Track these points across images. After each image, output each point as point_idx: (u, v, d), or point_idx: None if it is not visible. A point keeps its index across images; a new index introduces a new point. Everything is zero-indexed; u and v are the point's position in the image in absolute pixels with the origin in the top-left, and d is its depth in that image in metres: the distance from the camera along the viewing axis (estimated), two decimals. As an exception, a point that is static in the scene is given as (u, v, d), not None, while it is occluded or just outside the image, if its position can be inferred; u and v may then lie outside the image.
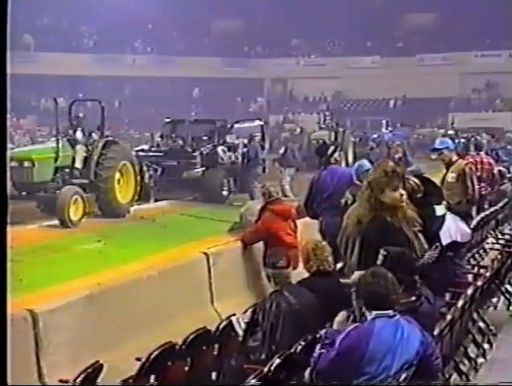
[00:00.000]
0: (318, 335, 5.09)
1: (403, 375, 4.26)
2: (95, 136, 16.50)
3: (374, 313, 4.43)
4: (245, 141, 21.14)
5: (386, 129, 35.30)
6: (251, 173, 19.93)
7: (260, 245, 9.31)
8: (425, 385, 4.58)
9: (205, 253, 9.04)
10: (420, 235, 5.77)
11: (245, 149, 20.63)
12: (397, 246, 5.38)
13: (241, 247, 9.58)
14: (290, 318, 5.57)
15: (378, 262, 5.15)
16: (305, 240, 6.81)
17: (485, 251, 11.12)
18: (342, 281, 5.92)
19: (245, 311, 6.21)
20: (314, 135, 29.93)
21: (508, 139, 17.32)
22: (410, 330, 4.41)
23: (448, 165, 9.21)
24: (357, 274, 5.09)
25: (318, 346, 4.60)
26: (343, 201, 8.04)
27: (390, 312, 4.41)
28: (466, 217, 8.87)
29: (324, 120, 32.36)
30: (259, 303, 6.00)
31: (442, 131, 36.59)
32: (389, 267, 4.93)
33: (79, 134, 16.29)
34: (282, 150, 22.41)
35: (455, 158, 9.31)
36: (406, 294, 4.93)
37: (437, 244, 6.05)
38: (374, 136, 31.15)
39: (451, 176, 9.01)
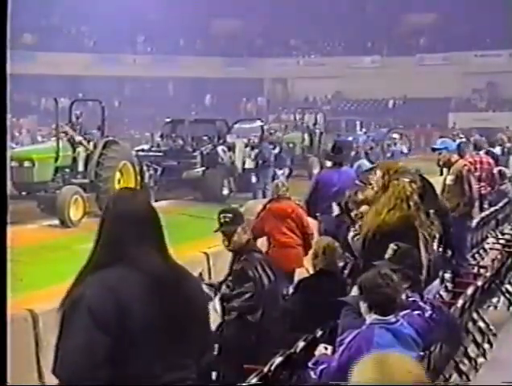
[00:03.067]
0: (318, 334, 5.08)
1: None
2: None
3: (374, 317, 4.38)
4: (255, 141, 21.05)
5: (361, 130, 33.12)
6: (263, 174, 19.72)
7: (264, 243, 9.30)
8: (425, 385, 4.56)
9: (205, 253, 9.04)
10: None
11: (255, 151, 20.47)
12: (411, 239, 5.34)
13: None
14: None
15: (387, 256, 5.10)
16: (320, 237, 6.81)
17: (485, 251, 11.13)
18: (340, 299, 5.73)
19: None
20: (285, 137, 26.43)
21: (500, 140, 17.17)
22: (410, 334, 4.39)
23: (449, 166, 9.17)
24: (354, 289, 4.94)
25: (312, 373, 4.49)
26: (343, 201, 8.02)
27: (391, 318, 4.38)
28: (466, 219, 8.87)
29: (301, 119, 28.76)
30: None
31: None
32: (397, 262, 4.91)
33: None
34: (277, 150, 21.96)
35: (454, 158, 9.26)
36: (410, 291, 4.89)
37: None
38: (350, 138, 28.89)
39: (449, 178, 8.97)
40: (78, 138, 16.20)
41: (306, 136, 26.37)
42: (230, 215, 5.66)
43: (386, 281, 4.37)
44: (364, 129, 33.44)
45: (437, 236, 6.07)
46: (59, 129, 16.15)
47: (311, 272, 6.57)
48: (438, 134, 27.79)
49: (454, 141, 13.26)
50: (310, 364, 4.58)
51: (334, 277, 6.29)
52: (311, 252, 6.58)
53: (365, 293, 4.45)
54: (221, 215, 5.67)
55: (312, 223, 9.12)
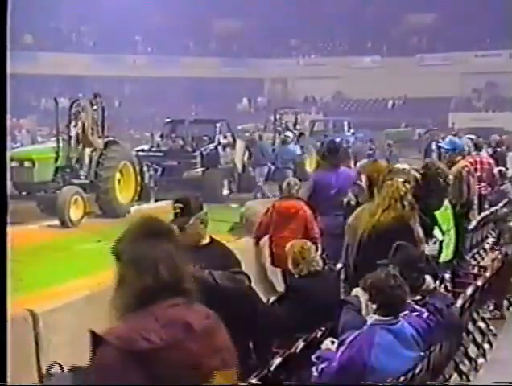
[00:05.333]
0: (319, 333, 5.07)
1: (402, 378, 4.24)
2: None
3: (375, 318, 4.37)
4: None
5: (348, 131, 32.14)
6: (282, 175, 19.47)
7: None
8: (425, 385, 4.58)
9: (205, 253, 9.02)
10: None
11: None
12: (406, 239, 5.33)
13: (254, 242, 9.59)
14: None
15: (390, 255, 5.09)
16: (290, 243, 6.67)
17: (485, 251, 11.12)
18: (343, 298, 5.69)
19: None
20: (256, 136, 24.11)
21: (495, 141, 17.03)
22: (412, 333, 4.38)
23: (451, 165, 9.16)
24: (358, 290, 4.93)
25: (314, 368, 4.49)
26: (345, 201, 8.02)
27: (392, 319, 4.36)
28: (463, 220, 8.85)
29: (280, 119, 26.09)
30: None
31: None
32: (399, 261, 4.90)
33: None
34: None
35: (457, 158, 9.26)
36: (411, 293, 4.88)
37: (434, 239, 6.08)
38: (337, 139, 27.13)
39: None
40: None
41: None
42: (180, 205, 4.87)
43: (398, 282, 4.37)
44: (352, 130, 32.77)
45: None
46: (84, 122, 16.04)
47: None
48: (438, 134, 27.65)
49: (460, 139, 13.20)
50: (313, 358, 4.58)
51: (321, 274, 6.27)
52: (289, 262, 6.43)
53: (375, 293, 4.42)
54: (173, 206, 4.92)
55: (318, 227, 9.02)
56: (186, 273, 2.40)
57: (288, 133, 21.93)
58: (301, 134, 24.70)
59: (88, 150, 16.17)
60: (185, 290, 2.37)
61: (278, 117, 26.07)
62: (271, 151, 20.42)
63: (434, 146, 23.54)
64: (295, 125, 25.90)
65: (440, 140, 23.32)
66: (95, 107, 16.38)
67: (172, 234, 2.45)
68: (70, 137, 16.04)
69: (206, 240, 4.86)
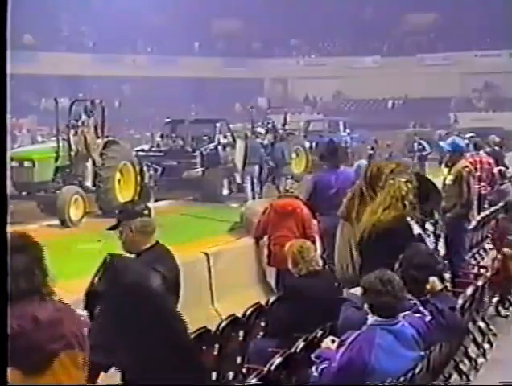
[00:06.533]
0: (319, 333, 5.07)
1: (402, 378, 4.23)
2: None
3: (375, 319, 4.37)
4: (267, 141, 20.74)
5: (344, 131, 31.64)
6: (280, 173, 19.44)
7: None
8: (425, 385, 4.58)
9: (205, 253, 9.04)
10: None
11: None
12: (406, 239, 5.33)
13: (254, 242, 9.61)
14: None
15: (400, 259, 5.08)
16: (289, 243, 6.66)
17: (485, 251, 11.13)
18: (343, 295, 5.68)
19: (246, 311, 6.19)
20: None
21: (493, 141, 17.00)
22: (413, 334, 4.38)
23: (451, 165, 9.14)
24: (358, 290, 4.93)
25: (314, 368, 4.49)
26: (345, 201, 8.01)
27: (392, 319, 4.37)
28: (463, 220, 8.85)
29: (268, 119, 24.39)
30: None
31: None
32: (403, 262, 4.91)
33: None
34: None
35: (458, 158, 9.24)
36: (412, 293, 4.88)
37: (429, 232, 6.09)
38: (334, 139, 25.99)
39: (449, 178, 8.93)
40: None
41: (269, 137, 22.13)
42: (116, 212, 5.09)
43: (387, 287, 4.35)
44: (347, 130, 32.07)
45: (442, 235, 6.07)
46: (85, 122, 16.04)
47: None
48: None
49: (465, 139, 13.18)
50: (313, 357, 4.58)
51: (320, 274, 6.27)
52: (289, 261, 6.43)
53: (367, 295, 4.46)
54: None
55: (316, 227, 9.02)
56: (44, 278, 3.10)
57: (259, 129, 21.55)
58: (289, 134, 23.59)
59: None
60: (42, 291, 3.04)
61: (267, 116, 25.38)
62: (262, 150, 20.20)
63: (415, 147, 23.62)
64: (283, 124, 24.62)
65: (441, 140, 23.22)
66: (91, 112, 16.38)
67: (35, 248, 3.23)
68: (69, 137, 16.04)
69: (146, 246, 4.81)
